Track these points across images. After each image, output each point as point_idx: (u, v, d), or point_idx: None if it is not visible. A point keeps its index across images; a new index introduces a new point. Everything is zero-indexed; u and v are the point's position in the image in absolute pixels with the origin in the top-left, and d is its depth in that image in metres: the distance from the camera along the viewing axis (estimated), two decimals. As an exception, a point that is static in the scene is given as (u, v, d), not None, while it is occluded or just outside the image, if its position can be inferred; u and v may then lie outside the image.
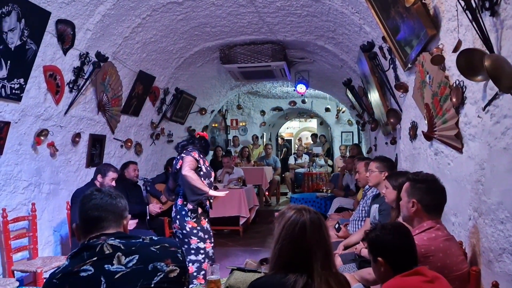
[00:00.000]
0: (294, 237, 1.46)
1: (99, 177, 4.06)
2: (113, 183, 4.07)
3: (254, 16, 4.89)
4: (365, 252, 2.77)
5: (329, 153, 11.81)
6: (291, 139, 17.20)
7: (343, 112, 11.01)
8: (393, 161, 3.60)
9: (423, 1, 2.41)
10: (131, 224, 4.38)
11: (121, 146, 5.42)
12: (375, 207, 3.27)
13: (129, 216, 1.52)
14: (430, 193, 1.98)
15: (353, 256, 3.05)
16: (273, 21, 5.00)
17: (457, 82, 2.15)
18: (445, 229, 1.99)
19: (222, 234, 6.72)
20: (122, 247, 1.35)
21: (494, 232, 1.76)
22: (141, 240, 1.40)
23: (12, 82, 3.27)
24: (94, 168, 4.32)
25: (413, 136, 3.27)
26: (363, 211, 3.76)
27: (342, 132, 11.49)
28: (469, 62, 1.83)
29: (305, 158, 10.66)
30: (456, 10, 2.01)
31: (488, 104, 1.81)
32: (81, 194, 3.72)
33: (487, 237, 1.85)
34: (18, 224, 3.64)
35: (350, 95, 6.47)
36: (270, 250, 1.52)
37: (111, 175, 4.08)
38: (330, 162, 10.65)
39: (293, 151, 14.56)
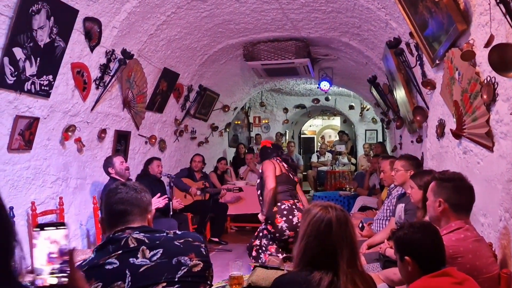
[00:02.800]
0: (319, 234, 1.44)
1: (111, 170, 4.18)
2: (124, 165, 4.22)
3: (278, 13, 4.86)
4: (389, 251, 2.72)
5: (352, 152, 11.68)
6: (313, 137, 17.08)
7: (367, 110, 10.85)
8: (419, 159, 3.52)
9: (453, -5, 2.34)
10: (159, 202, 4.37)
11: (146, 142, 5.50)
12: (400, 206, 3.21)
13: (154, 210, 1.53)
14: (457, 192, 1.92)
15: (377, 255, 3.00)
16: (297, 17, 4.97)
17: (489, 79, 2.08)
18: (474, 229, 1.93)
19: (244, 231, 6.75)
20: (147, 241, 1.36)
21: (527, 234, 1.70)
22: (165, 234, 1.42)
23: (41, 78, 3.35)
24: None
25: (440, 134, 3.19)
26: (388, 210, 3.69)
27: (366, 130, 11.33)
28: (502, 58, 1.77)
29: (328, 156, 10.57)
30: (489, 4, 1.94)
31: (522, 101, 1.75)
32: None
33: (519, 239, 1.78)
34: (46, 218, 3.73)
35: (374, 93, 6.37)
36: (295, 246, 1.50)
37: (118, 160, 4.21)
38: (353, 160, 10.54)
39: (315, 149, 14.48)
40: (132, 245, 1.34)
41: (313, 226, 1.46)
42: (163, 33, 4.69)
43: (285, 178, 3.94)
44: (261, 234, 3.98)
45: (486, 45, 1.89)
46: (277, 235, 3.80)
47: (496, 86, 2.03)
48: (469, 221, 1.96)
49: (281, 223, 3.76)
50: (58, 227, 0.96)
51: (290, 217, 3.78)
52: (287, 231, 3.77)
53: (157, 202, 4.05)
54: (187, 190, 5.69)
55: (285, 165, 4.04)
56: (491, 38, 1.88)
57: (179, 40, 5.06)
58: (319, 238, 1.44)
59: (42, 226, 0.97)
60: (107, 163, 4.22)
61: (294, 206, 3.84)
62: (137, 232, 1.38)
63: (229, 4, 4.55)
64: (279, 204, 3.83)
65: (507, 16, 1.70)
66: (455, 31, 2.46)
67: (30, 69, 3.19)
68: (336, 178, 9.15)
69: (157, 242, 1.37)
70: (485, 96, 2.12)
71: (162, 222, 4.18)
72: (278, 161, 4.03)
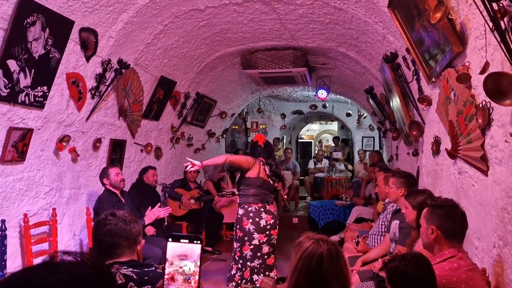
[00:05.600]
0: (310, 269, 1.42)
1: (105, 181, 4.16)
2: (120, 177, 4.19)
3: (276, 23, 4.85)
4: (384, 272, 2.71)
5: (349, 158, 11.67)
6: (311, 142, 17.09)
7: (364, 117, 10.85)
8: (413, 176, 3.50)
9: (449, 17, 2.34)
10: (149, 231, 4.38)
11: (141, 150, 5.47)
12: (395, 223, 3.19)
13: (143, 241, 1.51)
14: (449, 219, 1.90)
15: (371, 273, 2.98)
16: (295, 27, 4.96)
17: (484, 103, 2.07)
18: (467, 258, 1.91)
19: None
20: (135, 277, 1.34)
21: (520, 265, 1.69)
22: (153, 268, 1.39)
23: (36, 90, 3.32)
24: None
25: (435, 151, 3.18)
26: (383, 226, 3.68)
27: (363, 137, 11.32)
28: (497, 86, 1.76)
29: (325, 162, 10.56)
30: (485, 30, 1.93)
31: (517, 130, 1.74)
32: (103, 200, 3.91)
33: (512, 269, 1.77)
34: (39, 229, 3.71)
35: (372, 102, 6.36)
36: (287, 280, 1.48)
37: (112, 171, 4.19)
38: (350, 167, 10.52)
39: (313, 154, 14.47)
40: (120, 282, 1.32)
41: (304, 261, 1.43)
42: (160, 42, 4.67)
43: (260, 182, 3.92)
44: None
45: (482, 72, 1.88)
46: (246, 238, 3.83)
47: (491, 111, 2.03)
48: (462, 249, 1.94)
49: (248, 225, 3.83)
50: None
51: (257, 219, 3.83)
52: (255, 233, 3.82)
53: (158, 212, 4.03)
54: (179, 199, 5.68)
55: (267, 169, 3.99)
56: (486, 65, 1.88)
57: (177, 48, 5.04)
58: (310, 273, 1.42)
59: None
60: (103, 174, 4.20)
61: (262, 209, 3.87)
62: (125, 267, 1.36)
63: (227, 14, 4.53)
64: (246, 206, 3.89)
65: (502, 45, 1.69)
66: (451, 52, 2.45)
67: (24, 81, 3.17)
68: (332, 185, 9.12)
69: (146, 278, 1.35)
70: (480, 120, 2.11)
71: (155, 240, 4.18)
72: (261, 163, 3.99)
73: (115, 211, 1.51)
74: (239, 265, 3.87)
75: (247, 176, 3.96)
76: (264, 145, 4.13)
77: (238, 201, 4.06)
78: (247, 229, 3.82)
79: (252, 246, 3.82)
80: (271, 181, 4.01)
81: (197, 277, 1.00)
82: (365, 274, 3.04)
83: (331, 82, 7.33)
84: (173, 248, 1.01)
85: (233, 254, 4.00)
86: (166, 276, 1.01)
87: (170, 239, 1.02)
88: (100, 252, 1.41)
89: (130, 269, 1.35)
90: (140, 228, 1.49)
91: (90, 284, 0.52)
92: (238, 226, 3.91)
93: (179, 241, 1.02)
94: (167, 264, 1.02)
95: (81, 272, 0.53)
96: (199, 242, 1.02)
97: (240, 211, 3.93)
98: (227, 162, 3.89)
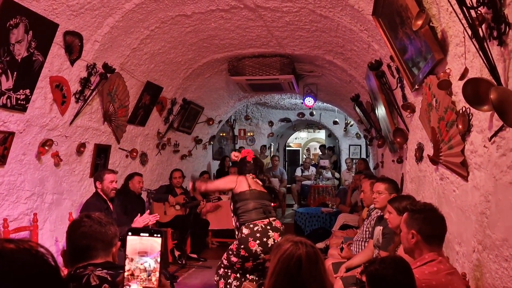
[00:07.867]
0: (289, 272, 1.41)
1: (98, 184, 4.07)
2: (114, 185, 4.07)
3: (263, 30, 4.87)
4: (366, 277, 2.71)
5: (336, 166, 11.72)
6: (299, 150, 17.16)
7: (351, 125, 10.93)
8: (396, 182, 3.52)
9: (431, 25, 2.37)
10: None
11: (127, 156, 5.42)
12: (378, 229, 3.20)
13: (119, 243, 1.49)
14: (428, 223, 1.92)
15: (355, 279, 2.98)
16: (281, 35, 4.99)
17: (464, 109, 2.10)
18: (447, 262, 1.93)
19: (225, 247, 6.65)
20: (109, 278, 1.32)
21: (498, 269, 1.70)
22: (129, 271, 1.37)
23: (18, 93, 3.28)
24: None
25: (418, 158, 3.21)
26: (367, 232, 3.69)
27: (350, 145, 11.40)
28: (475, 91, 1.79)
29: (312, 170, 10.59)
30: (464, 37, 1.96)
31: (495, 135, 1.76)
32: (91, 205, 3.82)
33: (491, 273, 1.78)
34: (19, 234, 3.63)
35: (358, 110, 6.42)
36: (265, 282, 1.47)
37: (108, 177, 4.07)
38: (337, 175, 10.57)
39: (301, 162, 14.52)
40: (93, 283, 1.30)
41: (282, 264, 1.43)
42: (146, 47, 4.66)
43: (256, 194, 3.67)
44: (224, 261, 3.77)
45: (461, 78, 1.91)
46: (250, 258, 3.57)
47: (471, 117, 2.05)
48: (442, 253, 1.95)
49: (255, 247, 3.50)
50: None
51: (265, 239, 3.51)
52: (262, 254, 3.54)
53: (148, 218, 3.94)
54: (166, 199, 5.63)
55: (259, 182, 3.79)
56: (466, 71, 1.90)
57: (163, 54, 5.03)
58: (289, 275, 1.41)
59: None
60: (98, 176, 4.09)
61: (268, 227, 3.56)
62: (100, 268, 1.34)
63: (214, 20, 4.54)
64: (251, 225, 3.55)
65: (480, 52, 1.71)
66: (432, 59, 2.49)
67: (6, 83, 3.12)
68: (319, 193, 9.14)
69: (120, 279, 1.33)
70: (460, 126, 2.14)
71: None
72: (250, 177, 3.78)
73: (90, 213, 1.49)
74: (238, 275, 3.68)
75: (239, 191, 3.68)
76: (254, 161, 3.91)
77: (240, 221, 3.66)
78: (253, 251, 3.50)
79: (255, 263, 3.63)
80: (264, 189, 3.77)
81: (157, 273, 1.01)
82: (349, 280, 3.04)
83: (318, 89, 7.38)
84: (132, 244, 1.01)
85: (226, 263, 3.73)
86: (126, 273, 1.01)
87: (129, 233, 1.02)
88: (74, 254, 1.38)
89: (105, 270, 1.33)
90: (116, 230, 1.47)
91: (30, 270, 0.51)
92: (243, 246, 3.53)
93: (139, 235, 1.02)
94: (127, 261, 1.01)
95: (21, 259, 0.52)
96: (159, 236, 1.02)
97: (245, 231, 3.54)
98: (203, 190, 4.09)
